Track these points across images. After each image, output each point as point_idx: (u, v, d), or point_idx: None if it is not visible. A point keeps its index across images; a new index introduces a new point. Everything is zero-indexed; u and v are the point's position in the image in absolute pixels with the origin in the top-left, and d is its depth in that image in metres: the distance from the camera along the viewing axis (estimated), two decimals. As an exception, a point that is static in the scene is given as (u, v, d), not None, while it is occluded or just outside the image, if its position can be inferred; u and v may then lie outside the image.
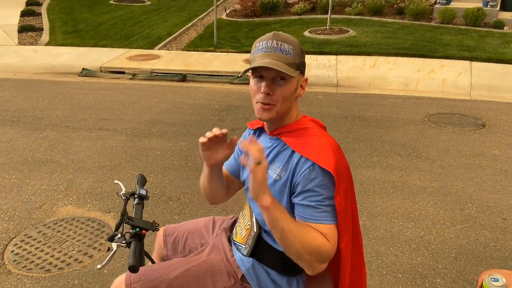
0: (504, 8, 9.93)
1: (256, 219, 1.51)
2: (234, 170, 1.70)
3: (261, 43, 1.39)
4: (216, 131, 1.40)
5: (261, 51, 1.37)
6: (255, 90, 1.41)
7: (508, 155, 4.18)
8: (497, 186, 3.63)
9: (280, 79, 1.37)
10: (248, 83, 1.46)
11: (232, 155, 1.64)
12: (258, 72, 1.38)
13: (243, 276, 1.54)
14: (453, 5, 9.69)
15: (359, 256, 1.53)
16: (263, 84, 1.38)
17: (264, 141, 1.52)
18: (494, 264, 2.75)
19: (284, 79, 1.37)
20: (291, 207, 1.39)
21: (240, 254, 1.56)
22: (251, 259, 1.52)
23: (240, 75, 1.41)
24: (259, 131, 1.60)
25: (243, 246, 1.55)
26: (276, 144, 1.47)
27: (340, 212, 1.33)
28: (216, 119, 5.10)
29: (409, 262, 2.76)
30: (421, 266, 2.72)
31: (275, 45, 1.36)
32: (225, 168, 1.70)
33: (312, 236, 1.29)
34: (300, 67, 1.41)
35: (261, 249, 1.50)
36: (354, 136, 4.62)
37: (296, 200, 1.36)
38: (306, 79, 1.46)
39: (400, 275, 2.65)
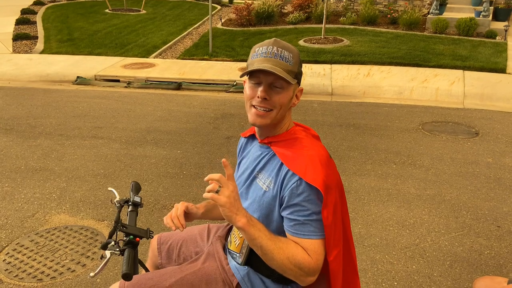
0: (496, 18, 10.07)
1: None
2: None
3: (260, 48, 1.38)
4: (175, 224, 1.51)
5: (261, 55, 1.36)
6: (250, 94, 1.39)
7: (501, 163, 4.20)
8: (491, 194, 3.65)
9: (277, 87, 1.35)
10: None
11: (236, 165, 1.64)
12: (256, 76, 1.36)
13: (238, 284, 1.53)
14: (446, 15, 9.81)
15: (352, 266, 1.52)
16: (260, 89, 1.36)
17: (255, 149, 1.52)
18: (489, 271, 2.74)
19: (281, 87, 1.35)
20: (281, 219, 1.39)
21: (235, 263, 1.55)
22: (246, 267, 1.51)
23: (240, 76, 1.40)
24: (251, 139, 1.60)
25: (238, 254, 1.54)
26: (266, 153, 1.46)
27: (327, 226, 1.32)
28: (211, 127, 5.09)
29: (405, 270, 2.75)
30: (417, 274, 2.72)
31: (275, 51, 1.35)
32: None
33: (291, 253, 1.29)
34: (298, 76, 1.40)
35: (256, 257, 1.48)
36: (348, 144, 4.63)
37: (284, 213, 1.36)
38: (301, 90, 1.45)
39: (395, 283, 2.64)
